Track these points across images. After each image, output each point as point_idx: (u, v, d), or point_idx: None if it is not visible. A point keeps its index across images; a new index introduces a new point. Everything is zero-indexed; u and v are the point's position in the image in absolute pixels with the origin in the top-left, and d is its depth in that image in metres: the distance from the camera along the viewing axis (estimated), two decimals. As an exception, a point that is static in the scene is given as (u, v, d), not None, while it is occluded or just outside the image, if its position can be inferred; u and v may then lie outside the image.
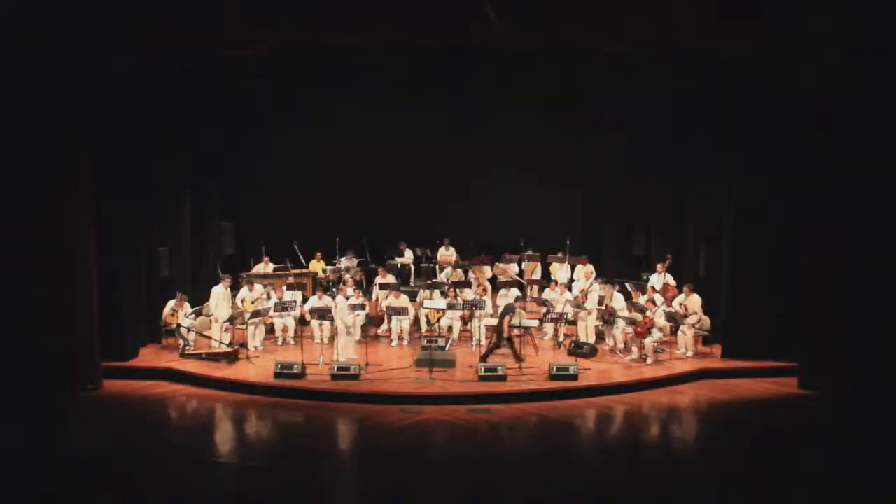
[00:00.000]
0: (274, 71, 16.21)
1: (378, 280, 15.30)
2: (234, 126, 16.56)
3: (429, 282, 15.58)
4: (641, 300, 13.71)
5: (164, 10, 11.53)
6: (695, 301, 13.36)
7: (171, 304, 13.69)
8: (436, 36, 13.00)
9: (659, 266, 14.42)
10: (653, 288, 13.99)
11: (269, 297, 14.17)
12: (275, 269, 15.91)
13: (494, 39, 12.65)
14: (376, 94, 17.50)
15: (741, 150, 13.27)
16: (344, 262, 16.81)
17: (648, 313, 13.08)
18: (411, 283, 16.58)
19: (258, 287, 14.41)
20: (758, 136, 12.99)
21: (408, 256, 17.41)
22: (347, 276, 15.62)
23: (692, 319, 13.25)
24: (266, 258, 16.35)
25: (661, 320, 13.12)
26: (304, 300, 14.50)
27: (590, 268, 15.92)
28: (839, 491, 8.34)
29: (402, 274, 17.02)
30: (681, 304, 13.38)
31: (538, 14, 11.88)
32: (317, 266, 16.92)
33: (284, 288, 14.45)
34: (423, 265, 17.02)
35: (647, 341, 12.92)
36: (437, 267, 16.93)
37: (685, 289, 13.59)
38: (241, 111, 16.57)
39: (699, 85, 14.06)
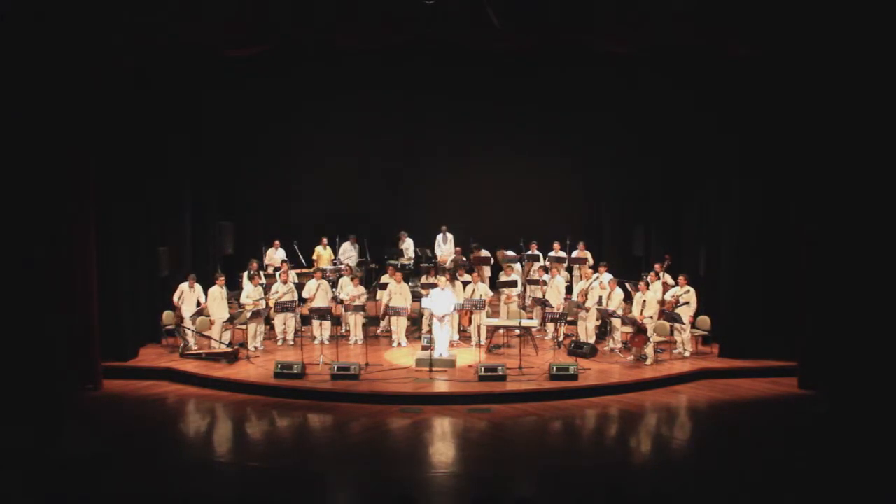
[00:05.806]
0: (274, 71, 16.20)
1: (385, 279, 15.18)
2: (235, 126, 16.56)
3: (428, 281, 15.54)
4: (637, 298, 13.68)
5: (165, 9, 11.53)
6: (690, 292, 13.28)
7: (183, 286, 13.63)
8: (436, 36, 12.99)
9: (657, 266, 14.42)
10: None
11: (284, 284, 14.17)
12: (275, 270, 15.89)
13: (495, 39, 12.62)
14: (376, 93, 17.47)
15: (742, 150, 13.27)
16: (345, 249, 16.93)
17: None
18: (410, 283, 16.54)
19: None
20: (758, 135, 12.99)
21: (409, 244, 17.35)
22: (348, 264, 15.82)
23: (683, 302, 13.13)
24: (276, 242, 16.42)
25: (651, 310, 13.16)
26: (303, 301, 14.47)
27: (587, 254, 16.19)
28: (838, 491, 8.33)
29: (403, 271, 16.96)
30: (673, 296, 13.29)
31: (538, 15, 11.88)
32: (322, 252, 16.93)
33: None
34: (422, 265, 16.98)
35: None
36: (436, 266, 16.89)
37: (680, 279, 13.49)
38: (241, 111, 16.57)
39: (699, 84, 14.06)
